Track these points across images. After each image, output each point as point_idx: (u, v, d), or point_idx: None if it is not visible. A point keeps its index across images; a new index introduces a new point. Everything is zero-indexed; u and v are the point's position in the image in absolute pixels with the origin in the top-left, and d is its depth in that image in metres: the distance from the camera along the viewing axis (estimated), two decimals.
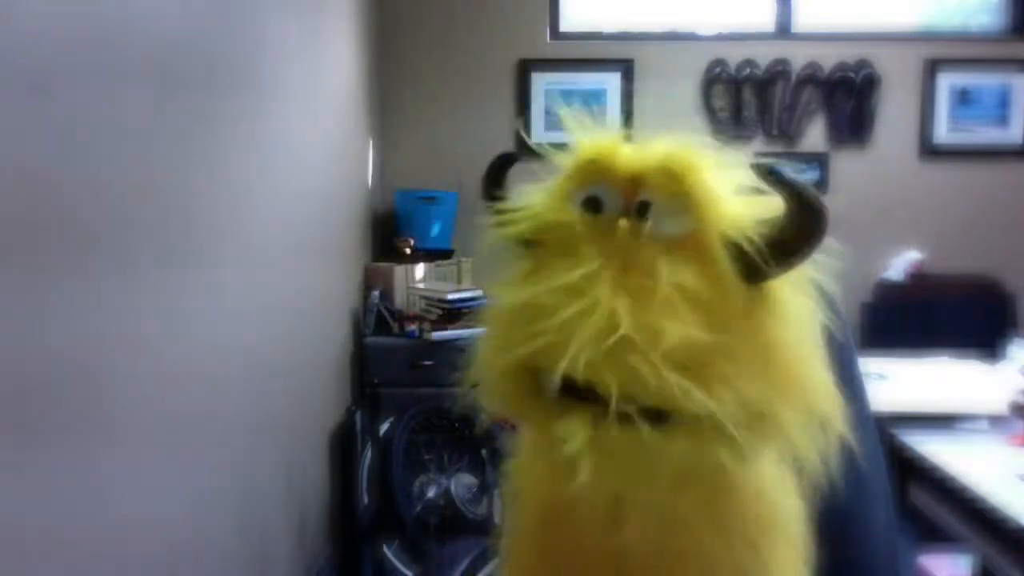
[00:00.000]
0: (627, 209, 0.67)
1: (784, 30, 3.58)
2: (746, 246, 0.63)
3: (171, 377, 1.37)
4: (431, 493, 2.51)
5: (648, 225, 0.65)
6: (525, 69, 3.53)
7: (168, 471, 1.36)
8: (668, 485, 0.64)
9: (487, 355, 0.71)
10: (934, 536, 1.92)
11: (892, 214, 3.54)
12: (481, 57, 3.53)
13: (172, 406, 1.37)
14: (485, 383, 0.72)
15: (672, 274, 0.63)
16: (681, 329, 0.61)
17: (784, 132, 3.54)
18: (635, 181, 0.68)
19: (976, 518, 1.71)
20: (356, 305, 3.03)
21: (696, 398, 0.61)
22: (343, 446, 2.66)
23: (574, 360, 0.61)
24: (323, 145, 2.56)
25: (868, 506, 0.94)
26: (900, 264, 3.50)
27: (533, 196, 0.73)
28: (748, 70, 3.51)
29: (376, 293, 3.01)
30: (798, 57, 3.50)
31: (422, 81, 3.54)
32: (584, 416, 0.63)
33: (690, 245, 0.65)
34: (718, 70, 3.52)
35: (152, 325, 1.29)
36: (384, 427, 2.63)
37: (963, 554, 1.87)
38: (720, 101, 3.53)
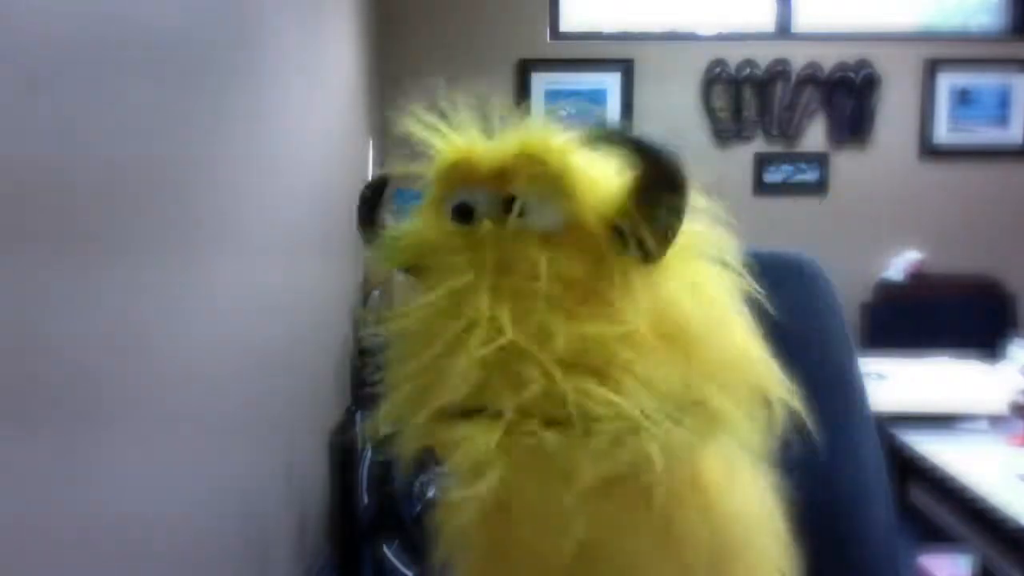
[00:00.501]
0: (499, 212, 0.62)
1: (784, 30, 3.58)
2: (621, 223, 0.59)
3: (170, 377, 1.37)
4: (431, 493, 2.51)
5: (515, 220, 0.61)
6: (525, 69, 3.53)
7: (168, 471, 1.36)
8: (592, 490, 0.59)
9: (391, 395, 0.66)
10: (934, 536, 1.92)
11: (892, 214, 3.54)
12: (481, 57, 3.53)
13: (171, 406, 1.37)
14: (394, 425, 0.67)
15: (551, 268, 0.59)
16: (570, 325, 0.57)
17: (784, 132, 3.54)
18: (500, 178, 0.62)
19: (976, 518, 1.71)
20: (356, 305, 3.02)
21: (597, 396, 0.57)
22: (343, 446, 2.66)
23: (458, 386, 0.58)
24: (323, 144, 2.56)
25: (868, 506, 0.94)
26: (900, 264, 3.50)
27: (412, 219, 0.68)
28: (748, 70, 3.52)
29: (376, 293, 3.01)
30: (798, 57, 3.50)
31: (422, 81, 3.53)
32: (488, 425, 0.58)
33: (567, 234, 0.61)
34: (718, 70, 3.52)
35: (151, 324, 1.29)
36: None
37: (963, 554, 1.87)
38: (720, 101, 3.53)
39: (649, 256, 0.60)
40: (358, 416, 2.66)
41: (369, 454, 2.57)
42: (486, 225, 0.61)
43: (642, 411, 0.57)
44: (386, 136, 3.53)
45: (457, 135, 0.67)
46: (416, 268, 0.65)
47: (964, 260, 3.52)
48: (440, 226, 0.64)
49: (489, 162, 0.63)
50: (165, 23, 1.36)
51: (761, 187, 3.55)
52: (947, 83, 3.54)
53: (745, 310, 0.64)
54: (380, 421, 0.66)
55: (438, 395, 0.60)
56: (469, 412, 0.59)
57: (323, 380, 2.58)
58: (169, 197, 1.37)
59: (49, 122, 1.01)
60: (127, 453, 1.21)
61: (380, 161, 3.46)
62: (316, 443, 2.46)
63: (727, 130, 3.53)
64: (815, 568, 0.73)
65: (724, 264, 0.64)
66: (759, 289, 0.65)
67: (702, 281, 0.63)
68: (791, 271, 0.95)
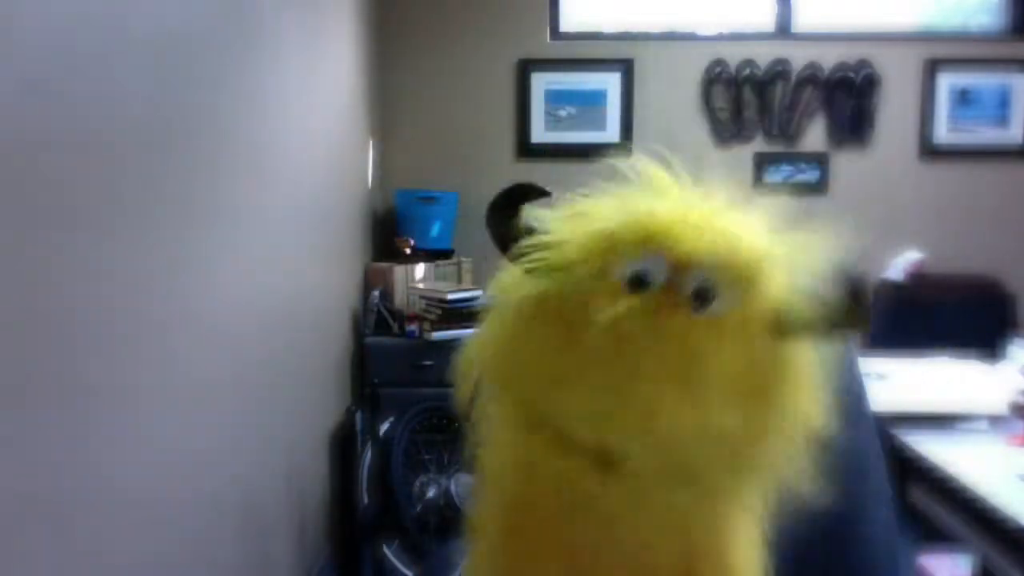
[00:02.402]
0: (673, 284, 0.63)
1: (784, 30, 3.58)
2: (791, 327, 0.65)
3: (170, 377, 1.37)
4: (431, 493, 2.51)
5: (706, 311, 0.64)
6: (525, 69, 3.53)
7: (168, 471, 1.36)
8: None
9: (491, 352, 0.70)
10: (934, 536, 1.92)
11: (892, 214, 3.54)
12: (481, 57, 3.53)
13: (171, 406, 1.37)
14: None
15: (717, 356, 0.63)
16: (723, 420, 0.62)
17: (784, 132, 3.54)
18: (688, 256, 0.64)
19: (976, 518, 1.71)
20: (356, 305, 3.02)
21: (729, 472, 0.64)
22: (343, 446, 2.66)
23: (610, 439, 0.63)
24: (323, 145, 2.56)
25: (868, 506, 0.94)
26: (900, 264, 3.50)
27: (564, 231, 0.67)
28: (748, 70, 3.51)
29: (376, 293, 3.01)
30: (798, 57, 3.50)
31: (422, 81, 3.54)
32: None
33: (735, 320, 0.64)
34: (718, 70, 3.52)
35: (151, 324, 1.29)
36: (384, 427, 2.63)
37: (963, 554, 1.87)
38: (720, 101, 3.53)
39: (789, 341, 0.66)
40: (358, 416, 2.66)
41: (369, 454, 2.57)
42: (672, 304, 0.63)
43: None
44: (386, 137, 3.53)
45: (668, 201, 0.67)
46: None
47: (964, 260, 3.52)
48: (607, 282, 0.64)
49: (688, 245, 0.64)
50: (165, 23, 1.36)
51: (761, 187, 3.54)
52: (947, 83, 3.54)
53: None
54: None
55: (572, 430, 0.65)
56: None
57: (323, 380, 2.58)
58: (169, 197, 1.37)
59: (50, 124, 1.01)
60: (127, 452, 1.21)
61: (380, 161, 3.47)
62: (316, 443, 2.46)
63: (727, 130, 3.53)
64: (816, 568, 0.73)
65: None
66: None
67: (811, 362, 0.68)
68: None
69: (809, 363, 0.67)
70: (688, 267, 0.63)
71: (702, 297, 0.63)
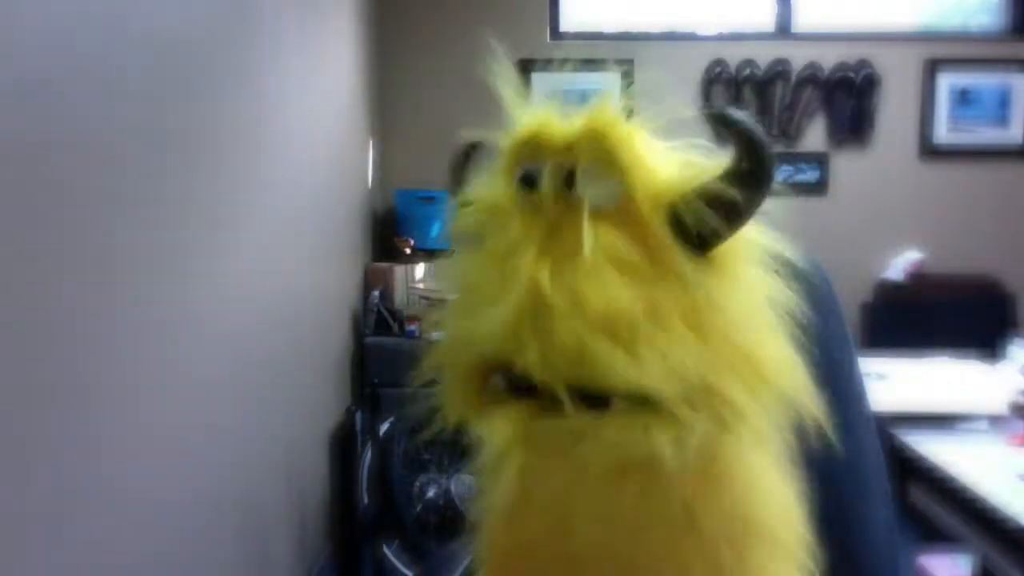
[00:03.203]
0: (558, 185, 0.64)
1: (784, 30, 3.58)
2: (683, 207, 0.59)
3: (170, 377, 1.37)
4: (431, 493, 2.51)
5: (573, 193, 0.62)
6: (525, 69, 3.53)
7: (168, 471, 1.36)
8: (604, 479, 0.60)
9: (437, 355, 0.70)
10: (934, 536, 1.92)
11: (892, 214, 3.54)
12: (481, 57, 3.53)
13: (172, 406, 1.37)
14: (438, 385, 0.70)
15: (599, 240, 0.60)
16: (608, 293, 0.58)
17: (784, 132, 3.54)
18: (566, 152, 0.64)
19: (976, 518, 1.71)
20: (356, 305, 3.02)
21: (621, 365, 0.57)
22: (343, 446, 2.66)
23: (493, 336, 0.60)
24: (323, 145, 2.56)
25: (868, 506, 0.94)
26: (900, 264, 3.50)
27: (482, 186, 0.71)
28: (748, 70, 3.51)
29: (376, 293, 3.01)
30: (798, 57, 3.50)
31: (422, 81, 3.54)
32: (515, 410, 0.61)
33: (623, 213, 0.62)
34: (718, 70, 3.52)
35: (151, 324, 1.29)
36: (384, 427, 2.63)
37: (963, 554, 1.87)
38: (720, 101, 3.53)
39: (704, 245, 0.60)
40: (358, 416, 2.66)
41: (369, 454, 2.57)
42: (545, 191, 0.62)
43: (659, 391, 0.57)
44: (386, 137, 3.53)
45: (536, 109, 0.68)
46: (478, 235, 0.67)
47: (964, 260, 3.52)
48: (504, 192, 0.66)
49: (558, 136, 0.65)
50: (165, 23, 1.36)
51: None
52: (947, 83, 3.54)
53: (785, 319, 0.64)
54: (426, 367, 0.70)
55: (475, 343, 0.62)
56: (518, 386, 0.61)
57: (323, 380, 2.58)
58: (169, 197, 1.37)
59: (51, 124, 1.01)
60: (126, 452, 1.21)
61: (380, 161, 3.47)
62: (316, 443, 2.46)
63: None
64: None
65: (774, 272, 0.65)
66: (801, 301, 0.66)
67: (755, 287, 0.63)
68: (791, 271, 0.95)
69: (743, 273, 0.63)
70: (567, 164, 0.63)
71: (568, 180, 0.62)
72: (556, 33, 3.58)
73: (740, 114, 0.60)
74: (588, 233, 0.60)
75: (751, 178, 0.59)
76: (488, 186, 0.69)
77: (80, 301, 1.08)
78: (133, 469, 1.23)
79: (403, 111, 3.54)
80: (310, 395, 2.41)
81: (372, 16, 3.36)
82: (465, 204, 0.70)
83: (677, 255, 0.60)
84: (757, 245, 0.65)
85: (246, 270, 1.77)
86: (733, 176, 0.59)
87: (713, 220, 0.59)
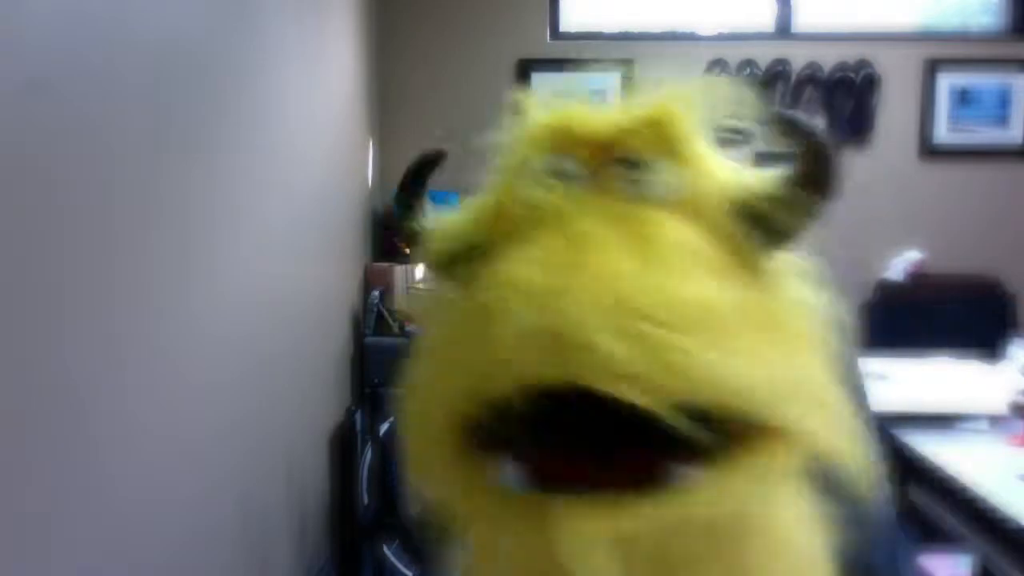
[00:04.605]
0: (598, 176, 0.55)
1: (784, 30, 3.58)
2: (756, 204, 0.54)
3: (171, 377, 1.37)
4: None
5: (638, 181, 0.54)
6: (525, 69, 3.53)
7: (168, 471, 1.36)
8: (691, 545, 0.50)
9: (417, 412, 0.56)
10: (934, 536, 1.92)
11: (892, 214, 3.54)
12: (481, 57, 3.53)
13: (171, 405, 1.37)
14: (417, 462, 0.58)
15: (678, 234, 0.52)
16: (704, 292, 0.48)
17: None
18: (605, 148, 0.56)
19: (976, 518, 1.71)
20: (356, 305, 3.02)
21: (737, 378, 0.46)
22: (343, 446, 2.66)
23: (513, 360, 0.45)
24: (323, 145, 2.56)
25: (868, 506, 0.94)
26: (900, 264, 3.50)
27: (496, 186, 0.60)
28: (748, 70, 3.51)
29: (376, 293, 3.01)
30: (798, 57, 3.50)
31: (422, 81, 3.54)
32: (578, 505, 0.46)
33: (686, 207, 0.54)
34: (718, 70, 3.52)
35: (151, 324, 1.29)
36: (384, 427, 2.63)
37: (963, 554, 1.87)
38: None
39: (772, 245, 0.56)
40: (358, 416, 2.66)
41: (369, 454, 2.57)
42: (608, 175, 0.54)
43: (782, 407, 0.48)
44: (386, 137, 3.52)
45: (556, 101, 0.61)
46: (462, 261, 0.57)
47: (964, 260, 3.52)
48: (538, 187, 0.55)
49: (598, 127, 0.57)
50: (165, 23, 1.36)
51: None
52: (947, 83, 3.53)
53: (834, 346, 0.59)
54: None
55: (472, 377, 0.48)
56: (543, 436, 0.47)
57: (323, 380, 2.58)
58: (169, 197, 1.37)
59: (51, 125, 1.01)
60: (124, 452, 1.21)
61: (380, 161, 3.46)
62: (316, 443, 2.46)
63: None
64: None
65: (827, 297, 0.60)
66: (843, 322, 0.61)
67: (809, 305, 0.58)
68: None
69: (798, 290, 0.58)
70: (607, 153, 0.56)
71: (631, 166, 0.54)
72: (556, 33, 3.57)
73: (808, 120, 0.58)
74: (666, 224, 0.52)
75: (818, 183, 0.57)
76: (511, 177, 0.59)
77: (80, 301, 1.08)
78: (132, 469, 1.23)
79: (403, 111, 3.54)
80: (310, 395, 2.41)
81: (372, 16, 3.36)
82: (443, 228, 0.61)
83: (754, 252, 0.55)
84: (809, 271, 0.60)
85: (246, 270, 1.77)
86: (800, 179, 0.56)
87: (788, 218, 0.55)
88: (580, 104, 0.60)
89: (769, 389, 0.48)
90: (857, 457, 0.55)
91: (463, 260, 0.57)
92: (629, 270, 0.48)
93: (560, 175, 0.55)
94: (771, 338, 0.51)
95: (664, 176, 0.54)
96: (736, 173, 0.58)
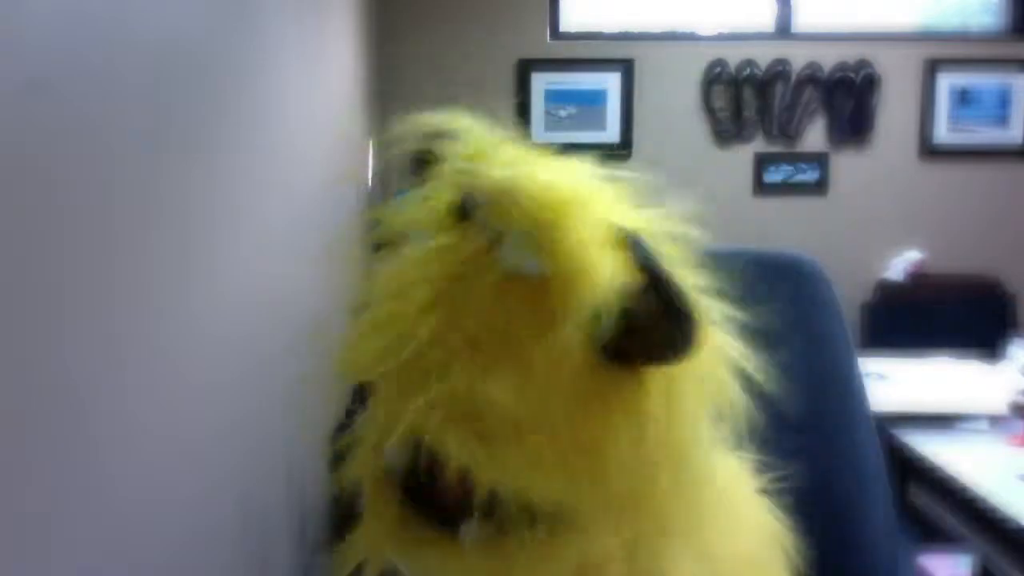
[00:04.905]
0: (489, 226, 0.60)
1: (784, 30, 3.58)
2: (596, 320, 0.55)
3: (169, 376, 1.37)
4: None
5: (497, 254, 0.59)
6: (525, 69, 3.53)
7: (168, 471, 1.36)
8: None
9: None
10: (934, 536, 1.92)
11: (892, 214, 3.54)
12: (481, 57, 3.53)
13: (171, 405, 1.37)
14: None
15: (496, 313, 0.57)
16: (503, 391, 0.55)
17: (784, 132, 3.53)
18: (504, 199, 0.60)
19: (976, 518, 1.71)
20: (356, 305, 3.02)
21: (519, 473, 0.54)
22: (343, 446, 2.65)
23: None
24: (323, 145, 2.55)
25: (868, 506, 0.94)
26: (900, 264, 3.50)
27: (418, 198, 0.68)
28: (748, 70, 3.51)
29: None
30: (798, 57, 3.50)
31: (423, 81, 3.54)
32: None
33: (540, 290, 0.57)
34: (718, 70, 3.52)
35: (149, 323, 1.29)
36: None
37: (963, 554, 1.87)
38: (720, 101, 3.53)
39: (613, 359, 0.56)
40: (358, 416, 2.66)
41: None
42: (469, 242, 0.60)
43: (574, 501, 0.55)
44: (386, 137, 3.52)
45: (483, 137, 0.67)
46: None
47: (964, 260, 3.52)
48: (436, 212, 0.64)
49: (498, 184, 0.61)
50: (164, 23, 1.36)
51: (761, 187, 3.55)
52: (947, 83, 3.54)
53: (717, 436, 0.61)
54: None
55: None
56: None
57: (323, 380, 2.57)
58: (169, 197, 1.37)
59: (50, 124, 1.01)
60: (124, 452, 1.21)
61: (380, 161, 3.46)
62: (316, 443, 2.46)
63: (727, 130, 3.53)
64: (816, 568, 0.73)
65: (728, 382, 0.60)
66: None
67: (680, 409, 0.58)
68: (791, 271, 0.95)
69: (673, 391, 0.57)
70: (507, 209, 0.59)
71: (496, 238, 0.59)
72: (556, 33, 3.58)
73: (649, 252, 0.55)
74: (499, 309, 0.57)
75: (668, 330, 0.54)
76: (424, 201, 0.67)
77: (79, 301, 1.08)
78: (130, 469, 1.23)
79: (403, 112, 3.54)
80: (310, 395, 2.41)
81: (372, 16, 3.36)
82: (396, 210, 0.69)
83: (587, 356, 0.56)
84: (713, 357, 0.59)
85: (246, 269, 1.77)
86: (657, 313, 0.54)
87: (630, 345, 0.55)
88: (496, 145, 0.66)
89: (540, 492, 0.54)
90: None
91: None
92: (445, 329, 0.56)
93: (464, 211, 0.62)
94: (558, 446, 0.55)
95: (529, 253, 0.58)
96: (609, 272, 0.56)
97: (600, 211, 0.59)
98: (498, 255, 0.59)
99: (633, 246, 0.56)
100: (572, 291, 0.56)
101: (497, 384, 0.55)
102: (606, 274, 0.56)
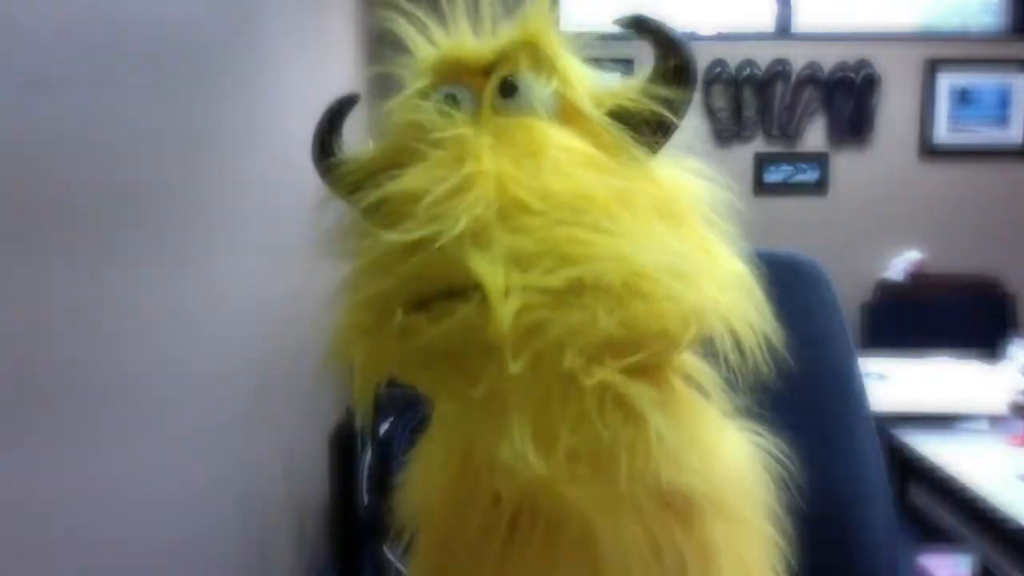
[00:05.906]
0: (485, 101, 0.62)
1: (784, 30, 3.58)
2: (628, 104, 0.61)
3: (169, 376, 1.37)
4: None
5: (511, 102, 0.61)
6: None
7: (167, 471, 1.36)
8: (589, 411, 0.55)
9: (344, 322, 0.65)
10: (934, 536, 1.92)
11: (892, 214, 3.54)
12: None
13: (170, 405, 1.37)
14: (346, 354, 0.65)
15: (555, 138, 0.58)
16: (577, 184, 0.55)
17: (784, 132, 3.54)
18: (490, 70, 0.63)
19: (976, 518, 1.71)
20: None
21: (605, 249, 0.52)
22: (343, 446, 2.65)
23: (457, 242, 0.52)
24: None
25: (868, 506, 0.94)
26: (900, 264, 3.50)
27: (402, 111, 0.67)
28: (748, 70, 3.51)
29: None
30: (798, 57, 3.50)
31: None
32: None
33: (565, 115, 0.61)
34: (718, 70, 3.52)
35: (150, 323, 1.29)
36: (384, 427, 2.63)
37: (963, 554, 1.87)
38: (720, 101, 3.53)
39: (648, 140, 0.61)
40: (358, 416, 2.66)
41: (369, 454, 2.57)
42: (488, 96, 0.61)
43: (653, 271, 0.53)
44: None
45: (444, 31, 0.69)
46: (372, 184, 0.63)
47: (964, 260, 3.52)
48: (435, 110, 0.62)
49: (479, 55, 0.64)
50: (164, 23, 1.36)
51: (761, 187, 3.55)
52: (947, 83, 3.54)
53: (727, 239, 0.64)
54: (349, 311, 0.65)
55: (401, 264, 0.57)
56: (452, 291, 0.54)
57: (323, 380, 2.58)
58: (169, 197, 1.37)
59: (50, 123, 1.01)
60: (124, 451, 1.21)
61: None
62: (316, 443, 2.46)
63: (727, 130, 3.53)
64: (815, 568, 0.73)
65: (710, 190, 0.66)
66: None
67: (686, 183, 0.64)
68: (791, 271, 0.95)
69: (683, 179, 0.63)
70: (487, 76, 0.62)
71: (505, 89, 0.61)
72: None
73: (656, 18, 0.64)
74: (547, 131, 0.59)
75: (679, 74, 0.62)
76: (409, 109, 0.66)
77: (79, 301, 1.08)
78: (130, 469, 1.23)
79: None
80: (310, 395, 2.41)
81: (372, 16, 3.36)
82: (354, 159, 0.68)
83: (632, 147, 0.61)
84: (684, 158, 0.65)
85: (246, 269, 1.77)
86: (662, 75, 0.62)
87: (662, 111, 0.61)
88: (459, 35, 0.67)
89: (654, 264, 0.53)
90: (751, 324, 0.59)
91: (367, 185, 0.65)
92: (510, 173, 0.54)
93: (450, 102, 0.62)
94: (654, 219, 0.57)
95: (538, 91, 0.62)
96: (603, 80, 0.66)
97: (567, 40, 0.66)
98: (515, 106, 0.60)
99: (624, 20, 0.66)
100: (592, 94, 0.62)
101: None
102: (599, 79, 0.64)
